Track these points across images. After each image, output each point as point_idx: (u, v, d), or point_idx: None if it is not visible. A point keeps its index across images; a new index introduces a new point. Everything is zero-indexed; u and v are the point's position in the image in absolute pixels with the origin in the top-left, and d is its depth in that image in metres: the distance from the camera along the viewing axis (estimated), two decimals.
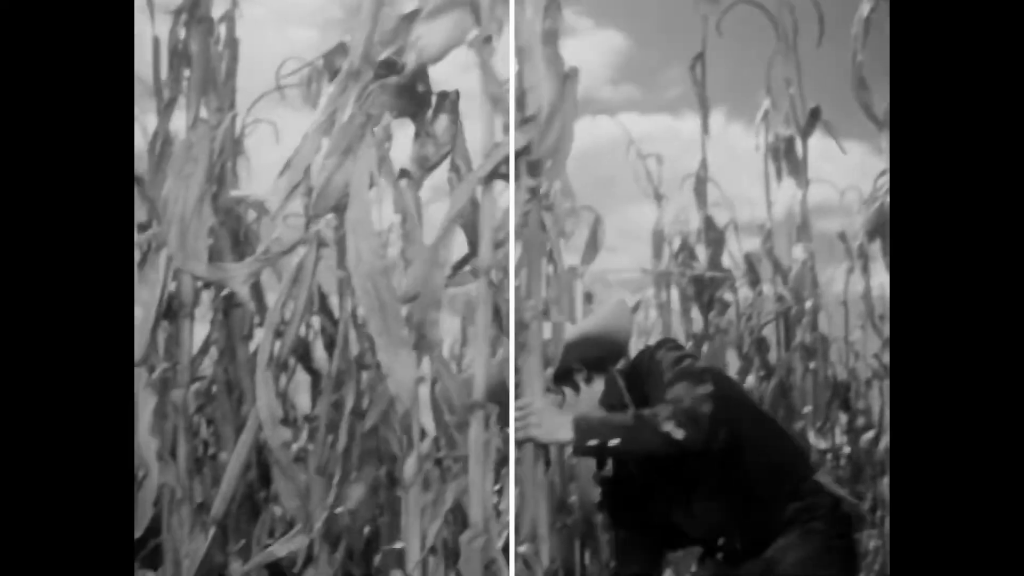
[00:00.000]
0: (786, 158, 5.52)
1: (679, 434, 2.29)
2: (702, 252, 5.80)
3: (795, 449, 2.71)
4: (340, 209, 2.33)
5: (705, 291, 5.72)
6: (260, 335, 3.51)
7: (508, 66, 2.36)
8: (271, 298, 3.51)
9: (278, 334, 2.45)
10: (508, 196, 2.45)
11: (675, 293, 5.85)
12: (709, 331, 5.74)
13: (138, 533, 2.56)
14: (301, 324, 2.47)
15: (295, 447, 2.52)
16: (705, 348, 5.73)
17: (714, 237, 5.79)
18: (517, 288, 2.47)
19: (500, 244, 2.47)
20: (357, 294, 2.26)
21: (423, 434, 5.10)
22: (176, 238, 2.51)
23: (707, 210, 5.78)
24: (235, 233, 3.08)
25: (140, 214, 3.52)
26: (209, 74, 2.81)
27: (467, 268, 2.51)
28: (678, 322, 5.84)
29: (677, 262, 5.80)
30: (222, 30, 3.04)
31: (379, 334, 2.25)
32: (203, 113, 2.75)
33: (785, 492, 2.52)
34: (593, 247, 5.08)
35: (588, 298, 5.25)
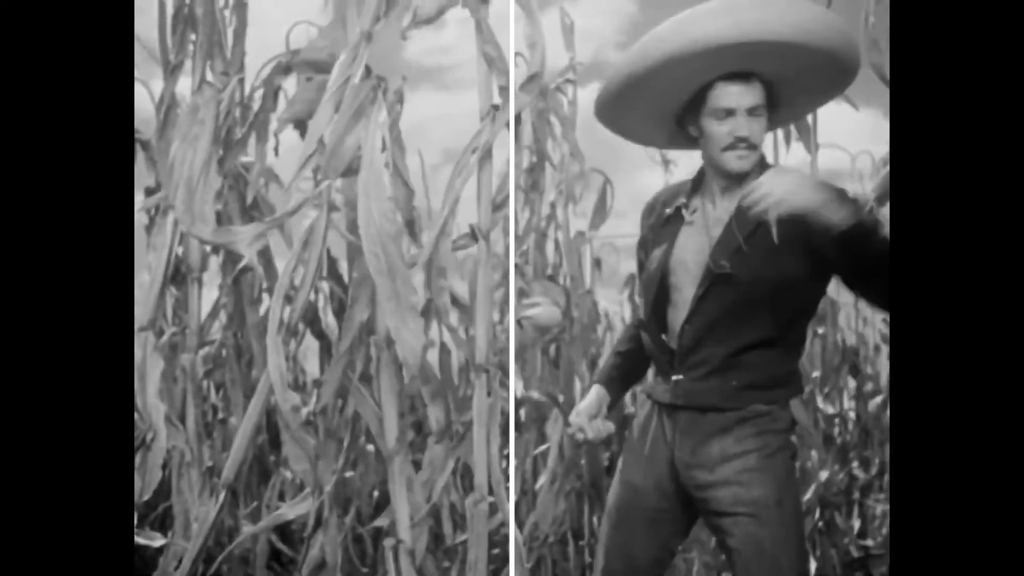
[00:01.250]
0: (794, 123, 5.49)
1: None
2: None
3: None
4: (351, 172, 2.32)
5: None
6: (269, 300, 3.53)
7: (508, 25, 2.36)
8: (280, 263, 3.51)
9: (288, 299, 2.45)
10: (508, 159, 2.46)
11: None
12: None
13: (147, 496, 2.58)
14: (311, 290, 2.46)
15: (305, 412, 2.53)
16: None
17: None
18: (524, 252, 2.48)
19: (499, 207, 2.48)
20: (366, 258, 2.26)
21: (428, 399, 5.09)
22: (183, 202, 2.51)
23: None
24: (243, 198, 3.07)
25: (147, 178, 3.52)
26: (215, 37, 2.79)
27: (466, 232, 2.52)
28: None
29: None
30: None
31: (388, 299, 2.25)
32: (209, 76, 2.74)
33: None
34: (602, 212, 5.06)
35: (597, 263, 5.25)
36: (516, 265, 5.27)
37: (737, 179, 2.38)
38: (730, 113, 2.30)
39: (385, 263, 2.23)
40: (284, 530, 4.16)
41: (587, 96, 4.94)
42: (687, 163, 5.78)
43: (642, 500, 2.44)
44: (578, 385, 4.71)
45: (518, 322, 4.41)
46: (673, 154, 5.79)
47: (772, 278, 2.29)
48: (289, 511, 2.55)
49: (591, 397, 2.59)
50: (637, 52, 2.32)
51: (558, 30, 5.00)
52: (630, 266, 6.60)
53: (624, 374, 2.66)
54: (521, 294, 5.06)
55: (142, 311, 2.64)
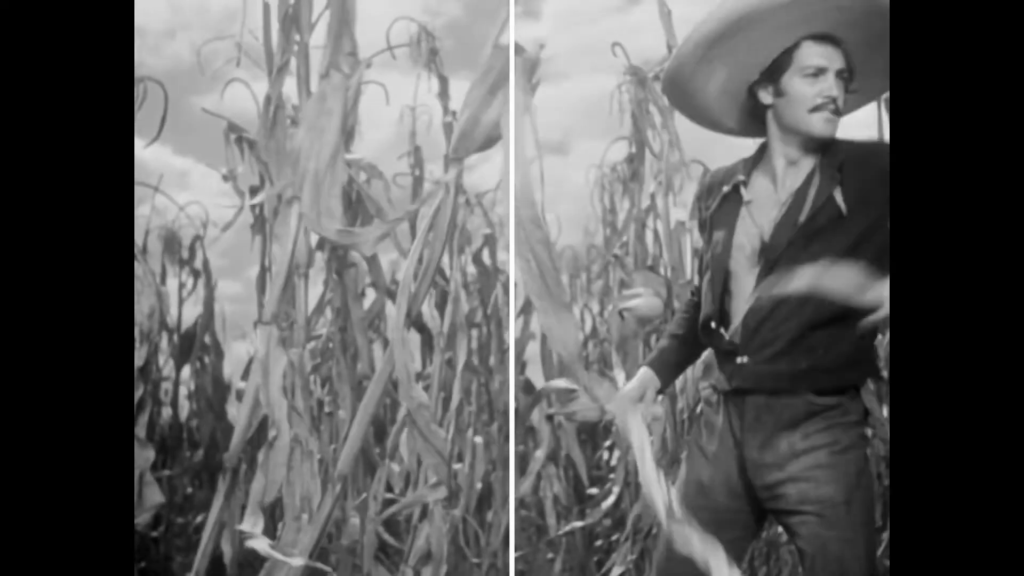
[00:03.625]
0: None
1: None
2: None
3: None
4: (488, 146, 2.22)
5: None
6: (374, 294, 3.58)
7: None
8: (383, 258, 3.55)
9: (390, 293, 2.47)
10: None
11: None
12: None
13: (269, 498, 2.60)
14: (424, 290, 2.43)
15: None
16: None
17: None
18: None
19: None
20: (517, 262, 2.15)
21: (531, 389, 5.16)
22: (309, 195, 2.46)
23: None
24: (347, 195, 3.11)
25: (251, 178, 3.59)
26: (345, 16, 2.73)
27: None
28: None
29: None
30: None
31: (539, 297, 2.18)
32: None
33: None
34: None
35: (696, 253, 5.19)
36: (616, 256, 5.26)
37: (813, 147, 2.31)
38: (821, 72, 2.24)
39: (535, 264, 2.12)
40: (390, 521, 4.21)
41: None
42: None
43: (710, 500, 2.34)
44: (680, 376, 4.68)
45: (620, 313, 4.40)
46: None
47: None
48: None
49: (635, 381, 2.48)
50: (717, 13, 2.26)
51: (656, 18, 4.97)
52: None
53: (679, 358, 2.56)
54: (622, 285, 5.05)
55: (266, 304, 2.66)
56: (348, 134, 2.92)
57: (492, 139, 2.14)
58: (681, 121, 4.79)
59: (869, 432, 2.31)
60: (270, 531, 2.85)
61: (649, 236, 5.05)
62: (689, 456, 2.45)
